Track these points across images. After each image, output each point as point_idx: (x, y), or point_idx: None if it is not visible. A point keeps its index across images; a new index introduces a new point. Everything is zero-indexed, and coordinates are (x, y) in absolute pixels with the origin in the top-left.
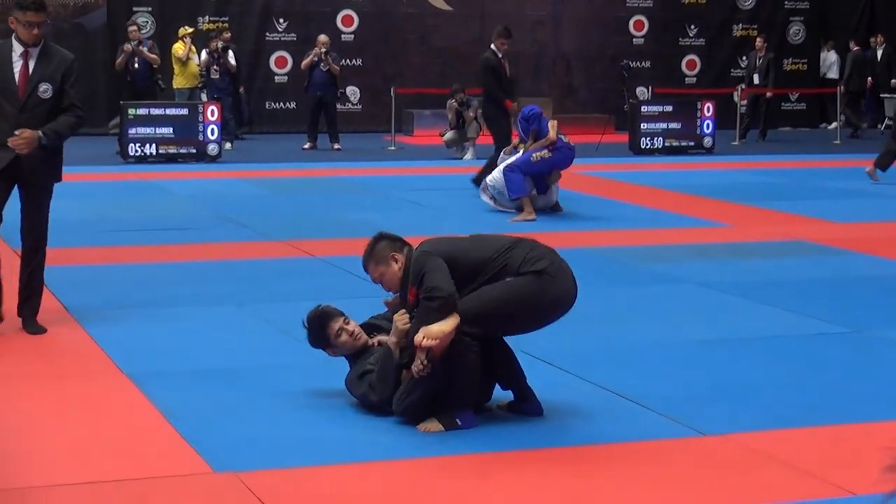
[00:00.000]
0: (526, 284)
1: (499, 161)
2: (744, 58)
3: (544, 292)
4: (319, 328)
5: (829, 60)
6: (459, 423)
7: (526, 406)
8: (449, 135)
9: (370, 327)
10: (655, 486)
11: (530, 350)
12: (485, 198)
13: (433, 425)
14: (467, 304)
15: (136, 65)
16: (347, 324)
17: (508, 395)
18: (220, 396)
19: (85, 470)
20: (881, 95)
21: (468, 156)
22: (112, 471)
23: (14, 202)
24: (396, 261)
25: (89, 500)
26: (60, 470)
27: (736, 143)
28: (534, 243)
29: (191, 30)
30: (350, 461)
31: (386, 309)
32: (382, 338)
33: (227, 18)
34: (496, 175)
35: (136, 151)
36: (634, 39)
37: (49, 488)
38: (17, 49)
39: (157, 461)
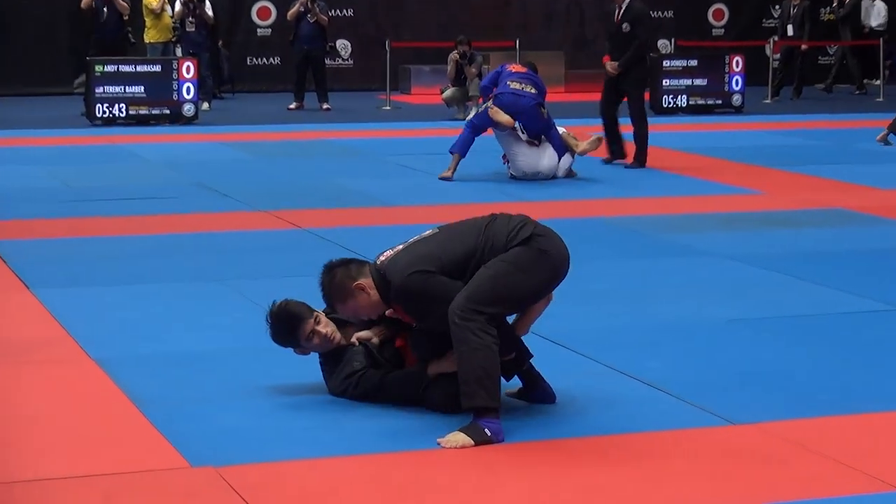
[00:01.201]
0: (522, 253)
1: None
2: (777, 6)
3: (544, 254)
4: (287, 332)
5: (876, 8)
6: (489, 433)
7: (536, 393)
8: (449, 92)
9: (339, 319)
10: (680, 480)
11: (540, 331)
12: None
13: (460, 438)
14: (471, 289)
15: (105, 16)
16: (318, 323)
17: (516, 383)
18: (197, 383)
19: (50, 465)
20: None
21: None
22: (80, 466)
23: None
24: (363, 289)
25: (55, 498)
26: (23, 465)
27: (768, 101)
28: (509, 215)
29: None
30: (340, 454)
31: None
32: (362, 334)
33: None
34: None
35: (104, 113)
36: None
37: (9, 485)
38: None
39: (129, 455)
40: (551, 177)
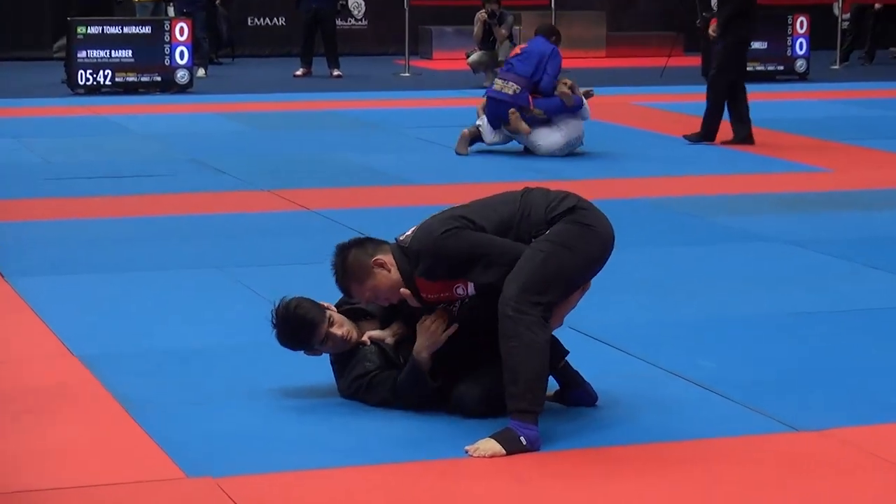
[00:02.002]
0: (566, 229)
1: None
2: None
3: (589, 228)
4: (299, 340)
5: None
6: (524, 442)
7: (575, 394)
8: (475, 56)
9: (353, 313)
10: (735, 492)
11: (579, 325)
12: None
13: (490, 446)
14: (521, 278)
15: None
16: (332, 325)
17: (552, 384)
18: (193, 384)
19: (29, 476)
20: None
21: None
22: (63, 477)
23: None
24: (383, 265)
25: None
26: (6, 476)
27: (836, 66)
28: (546, 188)
29: None
30: (354, 463)
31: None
32: (375, 333)
33: None
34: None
35: (87, 80)
36: None
37: None
38: None
39: (120, 465)
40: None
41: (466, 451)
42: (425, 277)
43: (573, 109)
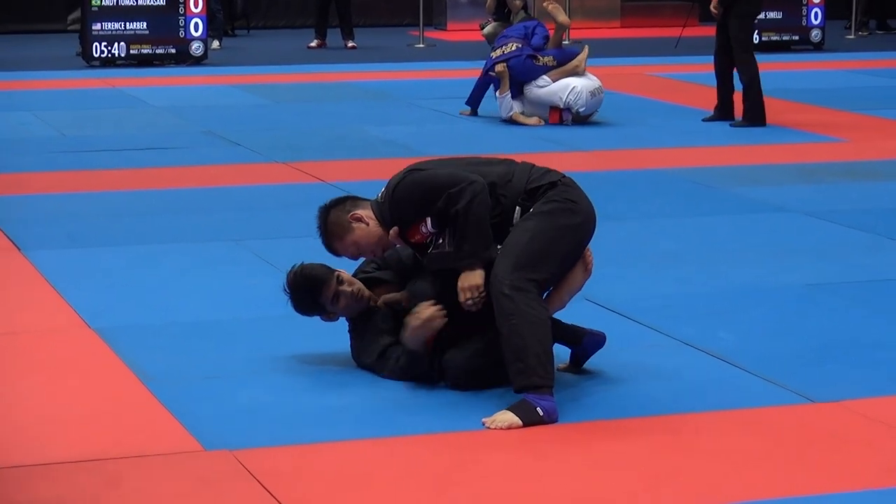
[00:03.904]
0: (550, 207)
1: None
2: None
3: (572, 203)
4: (310, 299)
5: None
6: (541, 412)
7: (586, 341)
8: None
9: (368, 282)
10: (754, 464)
11: (597, 298)
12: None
13: (508, 418)
14: (513, 256)
15: None
16: (342, 283)
17: (562, 354)
18: (210, 357)
19: (47, 447)
20: None
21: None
22: (80, 449)
23: None
24: (361, 219)
25: (53, 484)
26: (23, 448)
27: (851, 36)
28: (530, 163)
29: None
30: (373, 436)
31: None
32: (389, 297)
33: None
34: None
35: (102, 52)
36: None
37: (10, 470)
38: None
39: (137, 437)
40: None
41: (483, 424)
42: (397, 224)
43: (574, 51)
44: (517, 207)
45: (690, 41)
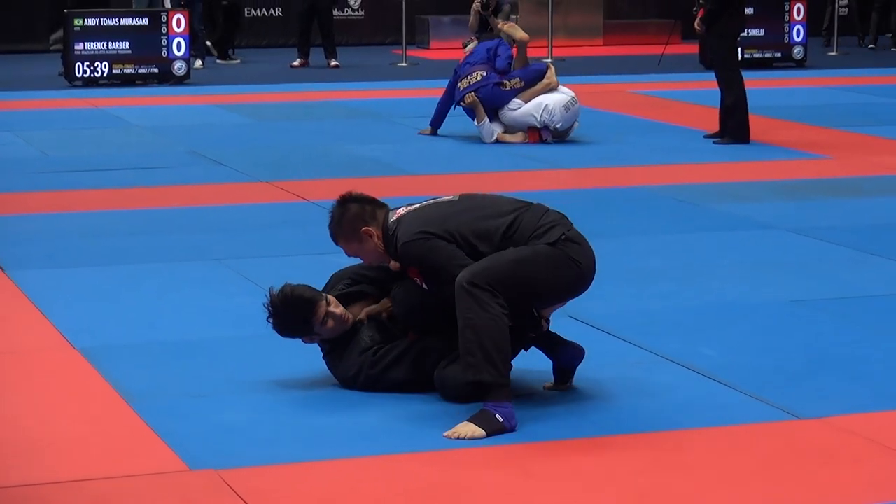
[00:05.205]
0: (551, 252)
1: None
2: None
3: (572, 262)
4: (300, 321)
5: None
6: (500, 419)
7: (564, 351)
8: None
9: (343, 298)
10: (738, 481)
11: (580, 314)
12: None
13: (470, 429)
14: (489, 266)
15: None
16: (330, 304)
17: (548, 375)
18: (193, 376)
19: (35, 468)
20: None
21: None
22: (64, 470)
23: None
24: (371, 235)
25: None
26: (5, 469)
27: (833, 53)
28: (546, 209)
29: None
30: (356, 455)
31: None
32: (371, 309)
33: None
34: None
35: (85, 72)
36: None
37: None
38: None
39: (122, 457)
40: (573, 104)
41: (446, 437)
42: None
43: (540, 68)
44: None
45: (673, 59)
